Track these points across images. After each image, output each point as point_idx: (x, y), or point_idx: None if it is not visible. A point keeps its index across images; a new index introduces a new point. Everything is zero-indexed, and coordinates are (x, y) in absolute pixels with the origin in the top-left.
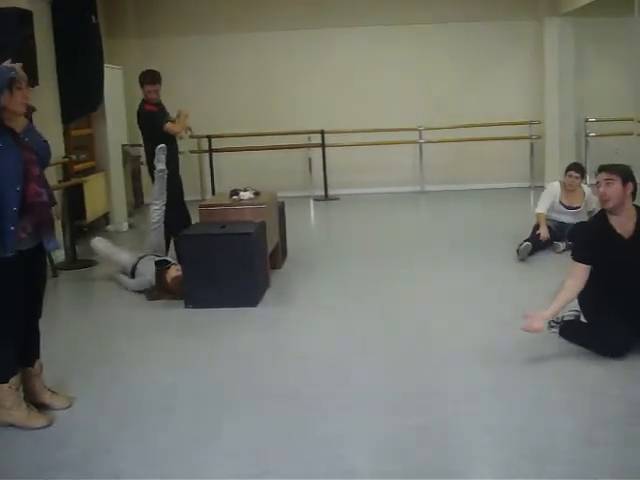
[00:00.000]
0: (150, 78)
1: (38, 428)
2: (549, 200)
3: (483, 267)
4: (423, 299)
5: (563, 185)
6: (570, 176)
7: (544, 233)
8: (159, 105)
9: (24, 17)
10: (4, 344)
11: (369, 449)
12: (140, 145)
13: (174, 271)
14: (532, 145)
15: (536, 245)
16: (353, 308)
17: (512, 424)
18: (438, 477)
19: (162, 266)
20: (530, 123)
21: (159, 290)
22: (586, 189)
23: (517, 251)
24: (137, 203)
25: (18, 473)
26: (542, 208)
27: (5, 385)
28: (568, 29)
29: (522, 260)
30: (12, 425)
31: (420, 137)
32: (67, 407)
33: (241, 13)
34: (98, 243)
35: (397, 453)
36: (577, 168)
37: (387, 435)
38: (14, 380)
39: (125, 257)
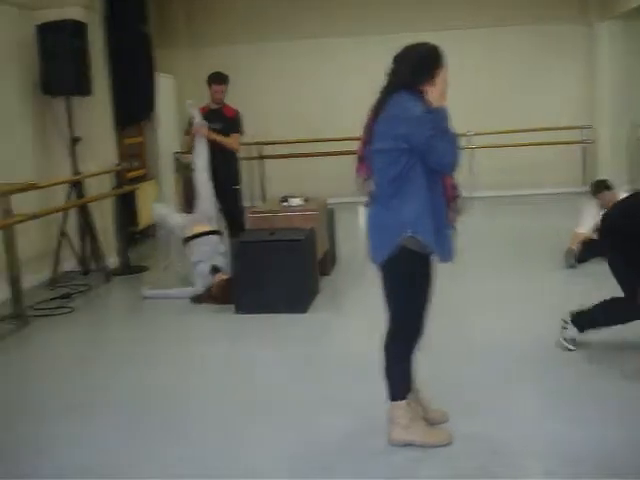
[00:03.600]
0: (214, 78)
1: (440, 446)
2: (591, 221)
3: (531, 273)
4: (470, 305)
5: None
6: (599, 198)
7: (577, 249)
8: (212, 110)
9: (79, 29)
10: (409, 365)
11: (417, 458)
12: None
13: (218, 278)
14: (584, 149)
15: (590, 252)
16: None
17: (551, 432)
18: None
19: (213, 272)
20: (582, 128)
21: (206, 295)
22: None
23: (565, 256)
24: (189, 210)
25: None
26: (584, 229)
27: (404, 402)
28: (619, 32)
29: (571, 267)
30: (410, 444)
31: (470, 143)
32: (445, 422)
33: (292, 21)
34: (157, 208)
35: (443, 461)
36: (599, 188)
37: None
38: (411, 396)
39: (178, 219)
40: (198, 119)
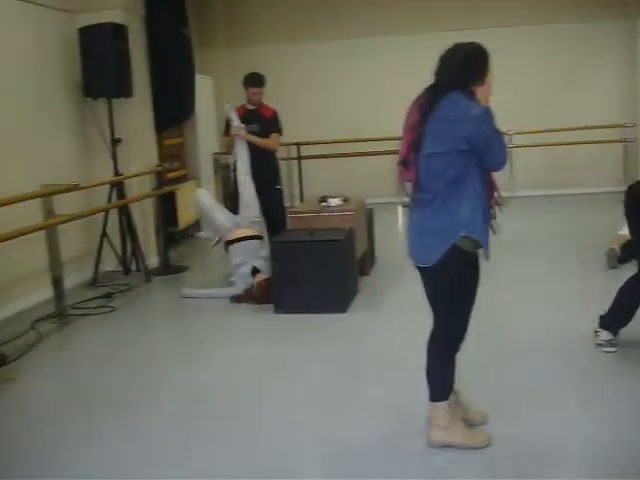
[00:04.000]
0: (251, 80)
1: (479, 448)
2: None
3: (571, 274)
4: (508, 306)
5: None
6: None
7: (619, 249)
8: (249, 111)
9: (120, 31)
10: (451, 366)
11: (463, 459)
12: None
13: (258, 277)
14: (626, 148)
15: (630, 253)
16: None
17: (590, 433)
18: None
19: (254, 273)
20: (624, 126)
21: (246, 295)
22: None
23: (606, 257)
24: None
25: (114, 472)
26: (626, 229)
27: (444, 403)
28: None
29: (613, 267)
30: (450, 445)
31: (510, 142)
32: (485, 423)
33: (330, 20)
34: (202, 195)
35: (481, 462)
36: None
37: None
38: (451, 397)
39: (222, 219)
40: (236, 122)
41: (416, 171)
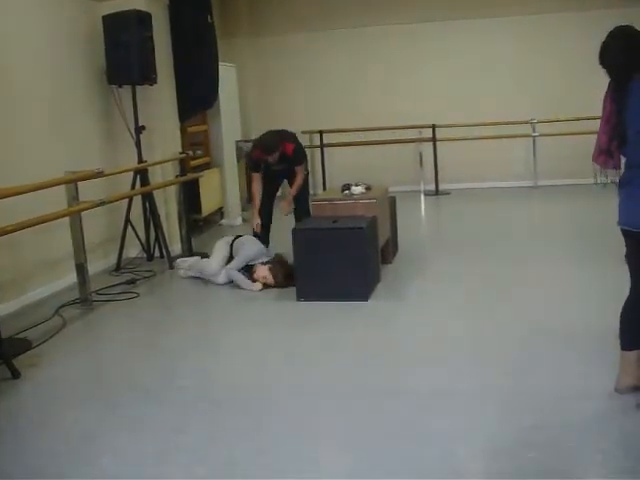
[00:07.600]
0: (262, 150)
1: None
2: None
3: (595, 266)
4: (534, 297)
5: None
6: None
7: None
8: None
9: (143, 19)
10: None
11: (480, 448)
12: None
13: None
14: None
15: None
16: (464, 304)
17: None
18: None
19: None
20: None
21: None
22: None
23: None
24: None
25: (135, 458)
26: None
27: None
28: None
29: None
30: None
31: (533, 130)
32: None
33: (352, 8)
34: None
35: (509, 453)
36: None
37: (499, 434)
38: None
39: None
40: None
41: (623, 154)
